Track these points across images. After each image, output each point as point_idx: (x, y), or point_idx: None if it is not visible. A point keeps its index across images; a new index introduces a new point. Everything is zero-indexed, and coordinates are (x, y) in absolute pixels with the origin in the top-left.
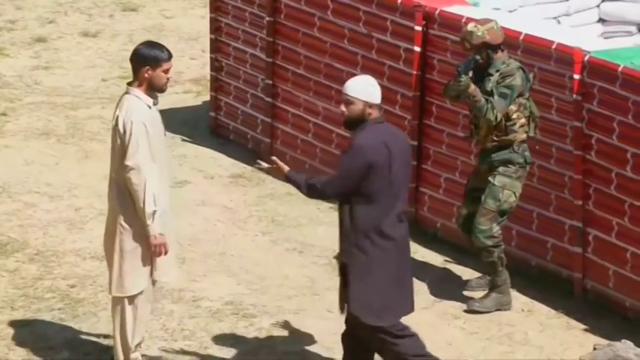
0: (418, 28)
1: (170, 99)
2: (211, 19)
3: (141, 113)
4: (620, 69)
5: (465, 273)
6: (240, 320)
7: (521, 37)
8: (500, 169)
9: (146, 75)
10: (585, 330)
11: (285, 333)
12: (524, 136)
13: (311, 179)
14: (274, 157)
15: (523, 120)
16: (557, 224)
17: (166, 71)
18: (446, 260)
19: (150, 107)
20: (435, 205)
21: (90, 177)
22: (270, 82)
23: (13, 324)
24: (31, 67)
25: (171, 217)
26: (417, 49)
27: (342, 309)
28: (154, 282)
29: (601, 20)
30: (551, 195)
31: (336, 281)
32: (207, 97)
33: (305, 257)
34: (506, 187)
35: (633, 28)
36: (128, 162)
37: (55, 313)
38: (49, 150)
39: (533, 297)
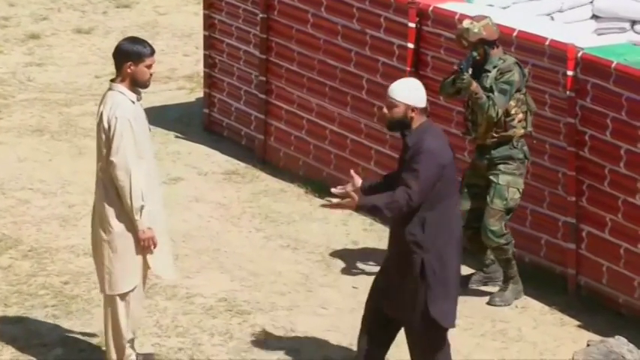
0: (412, 24)
1: (163, 96)
2: (205, 15)
3: (125, 109)
4: (613, 65)
5: None
6: (234, 317)
7: (515, 34)
8: (501, 166)
9: (129, 70)
10: (579, 326)
11: (278, 329)
12: (522, 131)
13: (386, 198)
14: (346, 190)
15: (521, 115)
16: (551, 221)
17: (149, 66)
18: None
19: (134, 103)
20: None
21: (83, 174)
22: (264, 78)
23: (6, 321)
24: (25, 64)
25: (162, 213)
26: (411, 45)
27: (390, 311)
28: (144, 278)
29: (594, 17)
30: (545, 191)
31: (329, 278)
32: (200, 94)
33: (298, 254)
34: (510, 184)
35: (626, 25)
36: (113, 158)
37: (48, 310)
38: (42, 147)
39: (527, 293)
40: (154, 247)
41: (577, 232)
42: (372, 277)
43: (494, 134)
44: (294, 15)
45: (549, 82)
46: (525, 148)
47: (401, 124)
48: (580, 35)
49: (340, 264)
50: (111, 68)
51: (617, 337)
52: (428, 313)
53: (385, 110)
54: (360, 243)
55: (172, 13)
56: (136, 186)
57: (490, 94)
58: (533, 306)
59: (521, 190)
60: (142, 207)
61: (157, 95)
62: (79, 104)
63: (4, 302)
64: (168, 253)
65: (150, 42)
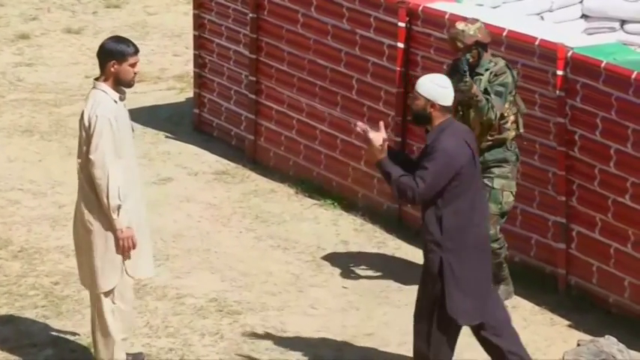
0: (402, 24)
1: (154, 96)
2: (195, 15)
3: (105, 108)
4: (603, 65)
5: None
6: (225, 317)
7: (505, 34)
8: (496, 170)
9: (112, 69)
10: (569, 326)
11: (269, 329)
12: (514, 133)
13: (399, 174)
14: (380, 136)
15: (512, 117)
16: (541, 220)
17: (133, 65)
18: None
19: (116, 102)
20: None
21: (73, 174)
22: (254, 78)
23: None
24: (14, 64)
25: (144, 212)
26: (401, 45)
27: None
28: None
29: (584, 16)
30: (535, 191)
31: (320, 278)
32: (190, 94)
33: (289, 254)
34: (505, 188)
35: (616, 24)
36: (92, 156)
37: (38, 311)
38: (32, 147)
39: (517, 293)
40: (134, 247)
41: (567, 231)
42: (363, 278)
43: (489, 137)
44: (284, 15)
45: (539, 82)
46: (517, 150)
47: (421, 118)
48: (570, 35)
49: (330, 264)
50: None
51: (607, 336)
52: (444, 310)
53: (410, 101)
54: (351, 243)
55: (162, 13)
56: (114, 185)
57: (488, 96)
58: (524, 306)
59: (514, 193)
60: (120, 206)
61: (147, 95)
62: (69, 104)
63: None
64: (147, 251)
65: (140, 42)
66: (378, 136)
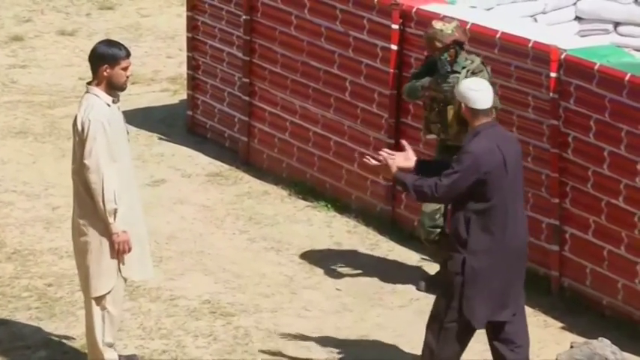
0: (395, 26)
1: (147, 97)
2: (188, 17)
3: (98, 112)
4: (596, 67)
5: None
6: (218, 318)
7: (498, 35)
8: None
9: (105, 73)
10: (562, 328)
11: (262, 331)
12: None
13: (418, 181)
14: (384, 154)
15: None
16: (535, 222)
17: (125, 69)
18: (422, 258)
19: (109, 105)
20: (411, 204)
21: (67, 176)
22: (247, 80)
23: None
24: (8, 66)
25: (140, 215)
26: (394, 47)
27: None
28: (125, 280)
29: (577, 18)
30: (528, 193)
31: (313, 280)
32: (184, 96)
33: (282, 255)
34: None
35: (609, 26)
36: (86, 161)
37: (32, 312)
38: (26, 149)
39: None
40: (129, 251)
41: (560, 233)
42: (356, 279)
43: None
44: (277, 17)
45: (532, 84)
46: None
47: (459, 120)
48: (563, 37)
49: (324, 266)
50: None
51: (600, 338)
52: (461, 311)
53: None
54: (344, 245)
55: (155, 15)
56: (109, 189)
57: None
58: None
59: None
60: (116, 210)
61: (141, 97)
62: (63, 106)
63: None
64: (145, 254)
65: (133, 44)
66: (394, 163)
